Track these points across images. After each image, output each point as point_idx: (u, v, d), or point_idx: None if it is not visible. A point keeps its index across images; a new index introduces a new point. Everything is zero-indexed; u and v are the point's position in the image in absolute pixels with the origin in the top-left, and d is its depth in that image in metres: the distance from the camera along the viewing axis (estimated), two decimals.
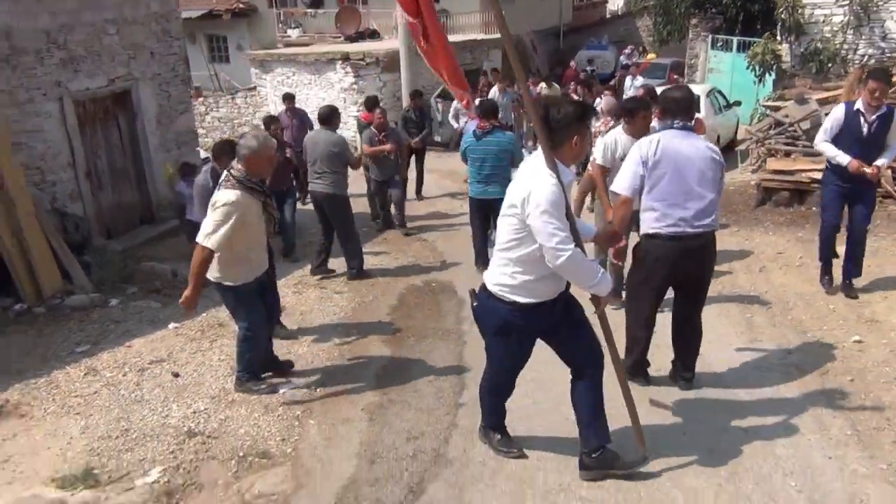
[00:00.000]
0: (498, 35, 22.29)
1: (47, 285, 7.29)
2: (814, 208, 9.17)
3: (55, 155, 8.54)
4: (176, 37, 10.48)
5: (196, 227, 6.88)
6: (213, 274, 4.76)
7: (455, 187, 12.05)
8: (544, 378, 4.57)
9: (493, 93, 12.86)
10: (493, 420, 3.98)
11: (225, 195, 4.54)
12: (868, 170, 5.71)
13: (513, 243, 3.40)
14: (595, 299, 3.49)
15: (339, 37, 24.62)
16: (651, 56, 22.19)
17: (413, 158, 11.18)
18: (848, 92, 9.80)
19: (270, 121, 9.01)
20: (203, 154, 12.36)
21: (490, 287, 3.53)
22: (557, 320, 3.56)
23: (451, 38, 21.21)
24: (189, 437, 4.49)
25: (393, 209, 9.53)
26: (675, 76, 17.06)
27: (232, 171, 4.64)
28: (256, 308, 4.93)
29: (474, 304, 3.68)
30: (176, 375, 5.50)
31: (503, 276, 3.47)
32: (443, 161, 12.96)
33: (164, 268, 8.32)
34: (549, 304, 3.48)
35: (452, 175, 12.64)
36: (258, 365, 5.15)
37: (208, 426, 4.63)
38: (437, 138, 16.55)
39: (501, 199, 7.30)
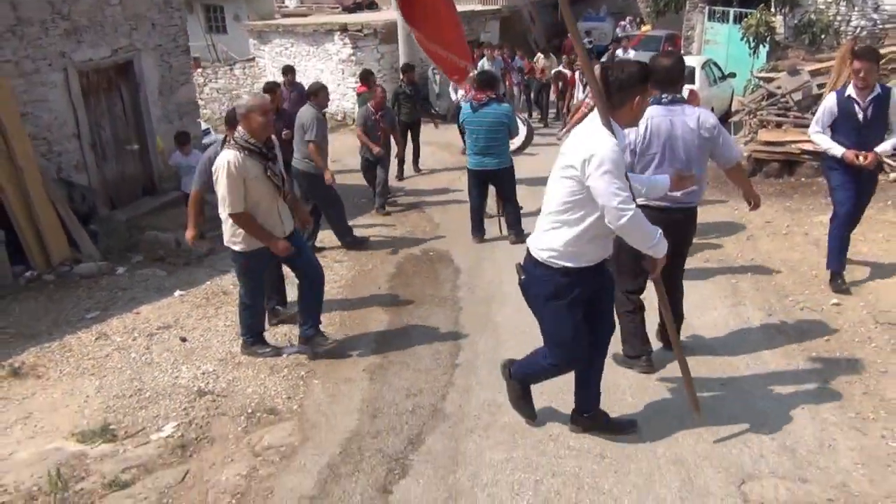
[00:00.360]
0: (495, 6, 22.25)
1: (56, 253, 7.50)
2: (803, 178, 9.39)
3: (61, 125, 8.70)
4: (177, 7, 10.58)
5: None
6: (226, 237, 4.96)
7: (452, 160, 12.20)
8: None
9: (483, 63, 12.84)
10: (523, 381, 3.94)
11: (220, 158, 4.69)
12: (862, 160, 5.40)
13: (568, 205, 3.33)
14: (651, 262, 3.46)
15: (337, 7, 24.60)
16: (646, 28, 22.15)
17: (410, 134, 11.28)
18: (839, 64, 9.94)
19: (273, 86, 8.88)
20: (203, 125, 12.51)
21: (538, 254, 3.46)
22: (599, 286, 3.54)
23: None
24: (199, 395, 4.72)
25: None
26: (670, 48, 17.10)
27: (235, 135, 4.77)
28: (257, 278, 5.10)
29: (522, 277, 3.59)
30: (184, 340, 5.73)
31: (554, 241, 3.40)
32: (440, 133, 13.09)
33: (167, 237, 8.50)
34: (595, 268, 3.46)
35: (450, 147, 12.79)
36: (259, 328, 5.34)
37: (217, 386, 4.86)
38: (435, 110, 16.66)
39: (499, 170, 7.56)
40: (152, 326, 6.08)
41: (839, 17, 11.72)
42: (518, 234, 7.65)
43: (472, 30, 20.17)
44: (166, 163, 9.61)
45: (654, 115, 4.28)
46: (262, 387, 4.79)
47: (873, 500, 3.21)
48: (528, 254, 3.54)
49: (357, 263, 7.39)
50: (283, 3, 27.03)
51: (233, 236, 4.90)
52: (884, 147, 5.50)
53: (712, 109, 11.59)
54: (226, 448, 4.02)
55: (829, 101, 5.66)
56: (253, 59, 20.86)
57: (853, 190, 5.62)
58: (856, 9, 11.57)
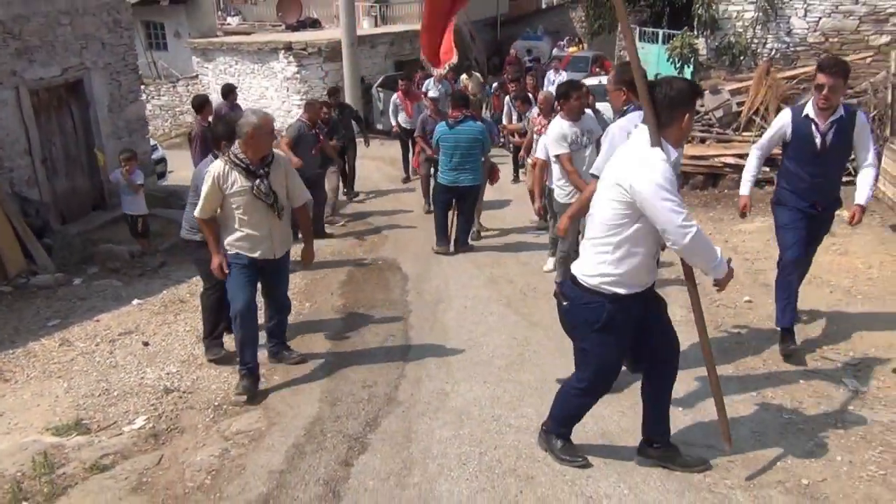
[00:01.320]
0: None
1: (12, 265, 7.68)
2: (725, 190, 10.12)
3: (12, 142, 8.85)
4: (126, 27, 10.83)
5: (132, 220, 7.06)
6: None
7: (396, 173, 12.65)
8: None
9: (429, 83, 12.90)
10: (563, 428, 3.76)
11: (211, 165, 4.81)
12: (847, 218, 4.77)
13: (616, 228, 3.22)
14: (721, 283, 3.31)
15: (280, 25, 24.85)
16: (573, 50, 22.85)
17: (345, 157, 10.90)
18: (756, 84, 10.77)
19: (204, 101, 9.07)
20: (151, 142, 12.65)
21: (586, 281, 3.33)
22: (650, 307, 3.44)
23: (391, 28, 21.83)
24: (166, 392, 5.04)
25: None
26: (597, 69, 17.79)
27: (232, 148, 4.73)
28: (239, 284, 4.86)
29: (564, 304, 3.46)
30: (146, 344, 6.02)
31: (604, 266, 3.27)
32: (384, 149, 13.52)
33: (121, 249, 8.76)
34: (644, 293, 3.37)
35: (395, 163, 13.23)
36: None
37: (182, 384, 5.18)
38: (379, 126, 17.13)
39: (471, 187, 7.91)
40: (114, 333, 6.35)
41: (756, 40, 12.62)
42: (463, 244, 8.07)
43: (414, 49, 20.71)
44: (107, 176, 9.57)
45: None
46: (226, 384, 5.12)
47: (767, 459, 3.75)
48: (573, 280, 3.41)
49: (309, 272, 7.74)
50: (225, 20, 27.16)
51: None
52: (866, 195, 4.70)
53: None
54: (196, 435, 4.36)
55: (782, 120, 4.77)
56: (196, 76, 21.03)
57: (804, 230, 4.76)
58: (770, 33, 12.48)
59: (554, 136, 6.15)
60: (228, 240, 4.81)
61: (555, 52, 24.51)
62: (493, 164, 8.86)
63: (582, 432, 3.92)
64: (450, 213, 8.15)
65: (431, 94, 10.80)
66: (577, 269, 3.42)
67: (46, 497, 3.64)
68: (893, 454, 3.68)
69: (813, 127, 4.59)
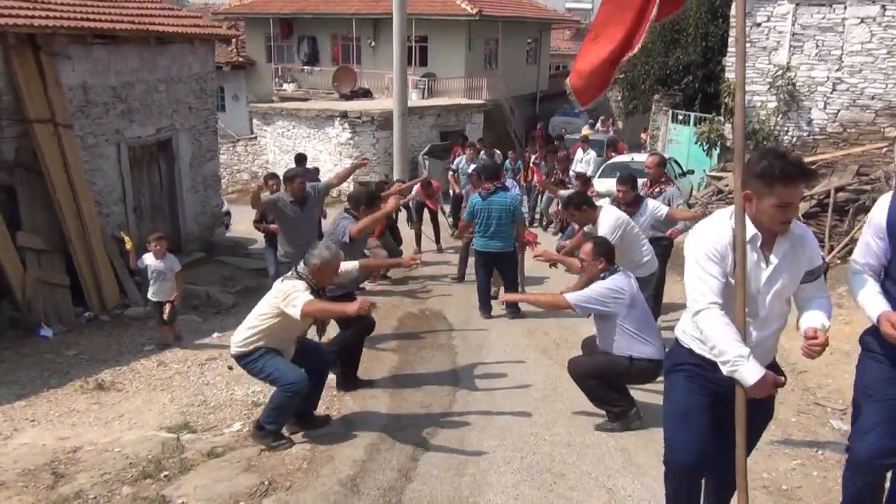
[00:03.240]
0: (480, 101, 24.14)
1: (110, 298, 8.82)
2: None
3: (110, 191, 10.13)
4: (210, 94, 12.22)
5: (158, 306, 7.48)
6: (236, 346, 5.04)
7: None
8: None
9: (461, 161, 13.39)
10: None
11: (293, 283, 4.78)
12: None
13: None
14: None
15: (332, 93, 26.55)
16: (587, 132, 23.29)
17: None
18: None
19: (269, 177, 9.34)
20: (225, 206, 13.88)
21: (676, 332, 3.40)
22: (730, 396, 3.11)
23: (433, 101, 23.30)
24: (255, 405, 6.00)
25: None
26: (612, 153, 18.05)
27: (299, 269, 4.90)
28: (292, 367, 5.03)
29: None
30: (230, 368, 7.00)
31: (684, 322, 3.34)
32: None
33: (199, 290, 9.88)
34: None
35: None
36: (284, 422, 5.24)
37: (267, 399, 6.14)
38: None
39: (504, 252, 8.81)
40: (200, 358, 7.39)
41: (778, 128, 13.65)
42: (514, 313, 8.51)
43: (459, 121, 22.16)
44: (134, 261, 7.95)
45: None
46: (305, 402, 6.08)
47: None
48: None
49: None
50: (282, 86, 29.02)
51: (241, 341, 5.02)
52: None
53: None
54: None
55: (879, 215, 3.20)
56: (255, 137, 22.58)
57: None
58: (791, 121, 13.51)
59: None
60: (264, 343, 4.93)
61: (584, 129, 25.14)
62: (524, 229, 9.10)
63: (604, 448, 4.82)
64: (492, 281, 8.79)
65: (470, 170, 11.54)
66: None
67: (180, 470, 4.60)
68: None
69: None
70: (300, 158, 12.25)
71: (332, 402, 6.01)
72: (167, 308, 7.71)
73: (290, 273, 4.97)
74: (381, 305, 9.19)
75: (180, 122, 11.46)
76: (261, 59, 29.75)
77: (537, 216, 14.78)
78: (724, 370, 2.96)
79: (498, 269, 8.77)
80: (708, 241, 3.05)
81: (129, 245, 8.14)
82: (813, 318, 3.08)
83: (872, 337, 3.27)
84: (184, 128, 11.57)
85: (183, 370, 7.03)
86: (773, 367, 3.17)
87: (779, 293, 3.08)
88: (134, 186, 10.61)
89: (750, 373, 2.91)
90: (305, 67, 28.72)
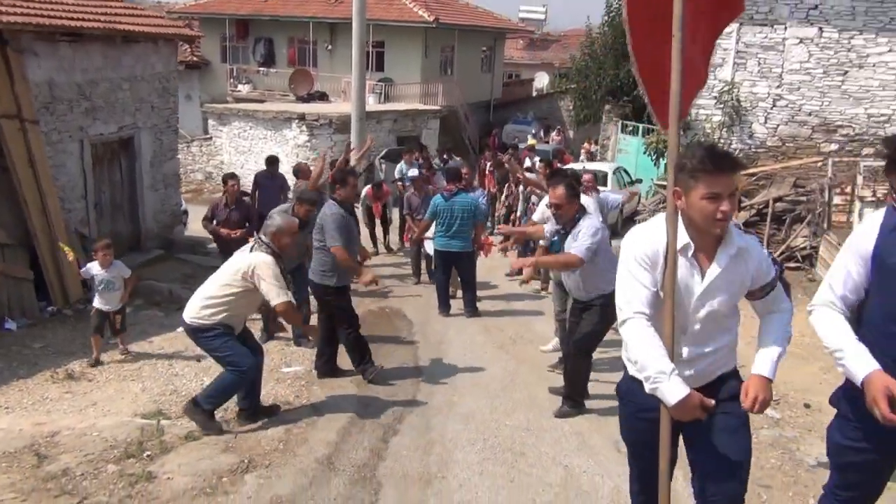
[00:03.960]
0: (436, 106, 24.52)
1: (73, 292, 8.90)
2: None
3: (72, 187, 10.18)
4: (172, 93, 12.33)
5: (104, 315, 7.02)
6: (193, 316, 5.11)
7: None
8: None
9: (401, 167, 13.15)
10: None
11: (265, 258, 5.03)
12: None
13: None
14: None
15: (288, 95, 26.64)
16: (532, 142, 23.85)
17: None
18: None
19: (229, 177, 9.20)
20: (184, 205, 13.95)
21: None
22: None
23: (394, 106, 23.59)
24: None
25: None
26: (558, 164, 18.39)
27: (262, 238, 5.19)
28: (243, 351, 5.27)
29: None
30: (199, 360, 7.23)
31: None
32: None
33: (161, 286, 10.00)
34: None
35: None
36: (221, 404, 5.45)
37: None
38: None
39: (464, 252, 9.12)
40: (168, 350, 7.57)
41: (722, 140, 14.33)
42: (471, 312, 8.83)
43: (415, 126, 22.50)
44: (78, 267, 7.66)
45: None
46: (274, 391, 6.33)
47: None
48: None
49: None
50: (236, 87, 28.95)
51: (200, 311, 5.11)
52: None
53: (622, 209, 13.86)
54: (259, 423, 5.55)
55: (865, 240, 2.79)
56: (210, 137, 22.54)
57: (873, 478, 2.94)
58: (735, 135, 14.19)
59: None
60: (223, 319, 5.06)
61: (530, 139, 25.25)
62: (484, 231, 9.52)
63: (560, 431, 5.21)
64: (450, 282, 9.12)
65: (412, 173, 11.59)
66: None
67: (161, 451, 4.82)
68: (782, 449, 5.03)
69: None
70: (271, 161, 11.51)
71: (301, 391, 6.27)
72: (117, 317, 7.34)
73: (254, 243, 5.21)
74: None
75: (142, 120, 11.55)
76: (215, 59, 29.64)
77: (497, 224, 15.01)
78: (646, 387, 2.73)
79: (456, 269, 9.06)
80: (640, 245, 2.85)
81: (70, 257, 7.83)
82: (761, 360, 2.80)
83: (847, 403, 2.93)
84: (146, 126, 11.66)
85: (151, 362, 7.20)
86: (723, 381, 2.91)
87: (714, 309, 2.81)
88: (95, 183, 10.67)
89: (671, 391, 2.66)
90: (261, 69, 28.73)
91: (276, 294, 4.97)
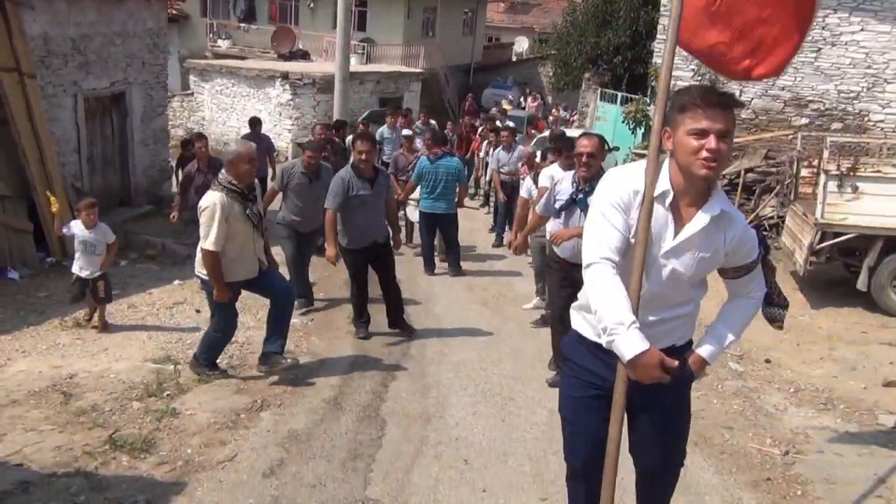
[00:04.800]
0: (418, 69, 24.76)
1: (70, 245, 9.13)
2: None
3: (66, 141, 10.35)
4: (162, 49, 12.45)
5: (85, 282, 6.56)
6: (197, 267, 5.35)
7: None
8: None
9: (383, 130, 12.82)
10: None
11: (204, 200, 5.08)
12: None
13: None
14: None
15: (269, 52, 26.54)
16: (506, 106, 23.88)
17: None
18: None
19: (197, 137, 9.10)
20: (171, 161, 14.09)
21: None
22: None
23: (373, 67, 23.68)
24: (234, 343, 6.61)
25: None
26: (532, 130, 18.31)
27: (219, 177, 5.15)
28: (231, 311, 5.51)
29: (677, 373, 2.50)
30: (198, 311, 7.57)
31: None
32: None
33: (155, 240, 10.27)
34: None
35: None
36: (214, 358, 5.67)
37: (239, 338, 6.72)
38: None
39: (447, 214, 9.49)
40: (167, 303, 7.89)
41: None
42: (456, 271, 9.26)
43: (398, 88, 22.67)
44: (59, 226, 7.21)
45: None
46: (270, 338, 6.72)
47: None
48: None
49: (316, 270, 9.32)
50: (216, 42, 28.73)
51: (203, 267, 5.22)
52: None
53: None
54: (265, 370, 5.96)
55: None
56: (191, 93, 22.51)
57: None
58: None
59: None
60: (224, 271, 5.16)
61: (504, 104, 25.23)
62: (466, 193, 9.97)
63: (544, 381, 5.70)
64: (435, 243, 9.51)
65: (405, 133, 11.48)
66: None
67: (178, 391, 5.22)
68: (743, 397, 5.59)
69: None
70: (254, 122, 11.63)
71: (300, 341, 6.66)
72: (100, 284, 6.70)
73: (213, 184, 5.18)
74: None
75: (133, 76, 11.68)
76: (195, 13, 29.35)
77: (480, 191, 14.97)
78: (603, 340, 2.48)
79: (440, 230, 9.47)
80: (617, 187, 2.62)
81: (54, 207, 7.29)
82: (707, 341, 2.77)
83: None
84: (137, 82, 11.79)
85: (153, 313, 7.53)
86: (673, 355, 2.50)
87: (679, 273, 2.63)
88: (88, 137, 10.84)
89: (628, 345, 2.38)
90: (242, 25, 28.53)
91: (203, 237, 5.02)
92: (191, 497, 3.80)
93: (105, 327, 6.82)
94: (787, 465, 4.55)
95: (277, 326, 5.63)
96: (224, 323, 5.52)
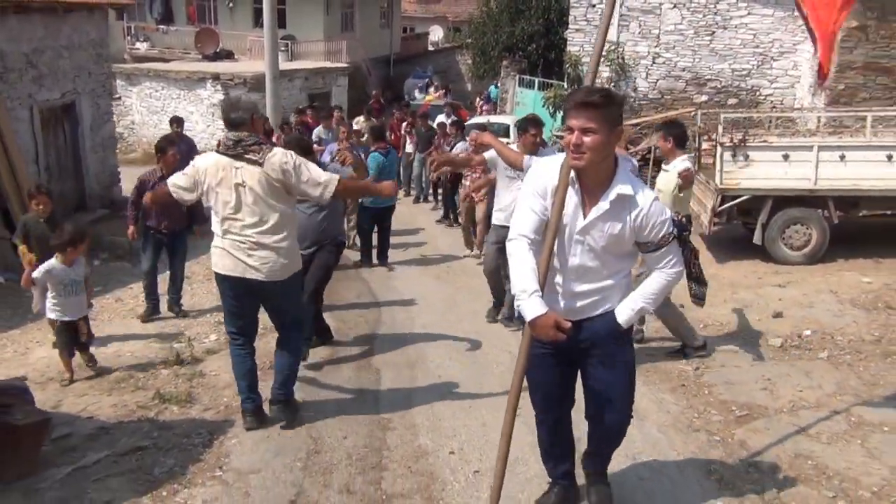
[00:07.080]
0: (343, 64, 25.35)
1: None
2: None
3: (26, 151, 10.83)
4: (106, 59, 12.98)
5: (69, 325, 5.67)
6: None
7: None
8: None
9: (318, 131, 12.73)
10: None
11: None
12: None
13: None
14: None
15: (190, 53, 26.73)
16: (429, 98, 25.04)
17: None
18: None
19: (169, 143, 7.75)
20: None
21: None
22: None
23: (298, 64, 24.30)
24: (219, 323, 7.43)
25: None
26: (454, 118, 19.57)
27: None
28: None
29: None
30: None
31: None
32: None
33: (121, 240, 10.89)
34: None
35: None
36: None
37: None
38: None
39: (391, 206, 10.31)
40: None
41: None
42: (383, 260, 9.76)
43: (325, 83, 23.37)
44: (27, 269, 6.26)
45: None
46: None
47: None
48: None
49: None
50: (134, 45, 28.65)
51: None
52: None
53: None
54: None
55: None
56: (119, 97, 22.64)
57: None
58: (621, 90, 16.07)
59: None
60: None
61: (430, 94, 26.30)
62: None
63: (502, 333, 6.81)
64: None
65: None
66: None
67: (194, 360, 6.09)
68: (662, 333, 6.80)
69: None
70: (176, 121, 12.05)
71: None
72: (81, 325, 5.91)
73: None
74: None
75: (81, 86, 12.17)
76: (110, 16, 29.08)
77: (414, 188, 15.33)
78: (515, 304, 3.11)
79: (381, 223, 9.74)
80: (538, 176, 3.17)
81: (27, 258, 6.53)
82: (622, 309, 3.24)
83: None
84: (84, 91, 12.28)
85: (141, 304, 8.27)
86: (605, 320, 3.24)
87: (594, 248, 3.12)
88: (45, 147, 11.34)
89: (529, 308, 2.94)
90: (160, 27, 28.57)
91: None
92: (240, 428, 4.75)
93: (94, 364, 5.98)
94: (698, 375, 5.78)
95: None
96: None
